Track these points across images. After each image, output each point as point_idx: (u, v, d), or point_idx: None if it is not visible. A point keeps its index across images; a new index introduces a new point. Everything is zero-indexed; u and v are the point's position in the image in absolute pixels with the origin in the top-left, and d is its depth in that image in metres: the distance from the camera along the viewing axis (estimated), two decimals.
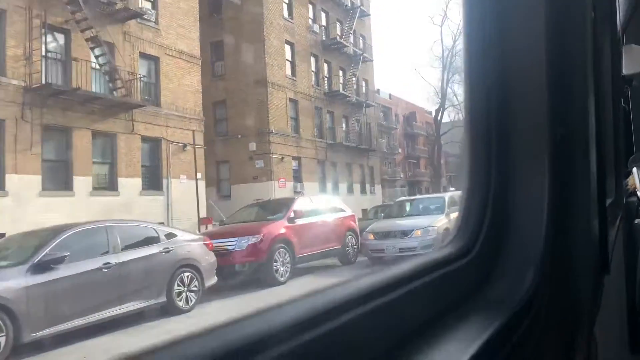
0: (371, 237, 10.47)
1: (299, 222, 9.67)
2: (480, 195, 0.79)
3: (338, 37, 28.87)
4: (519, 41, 0.80)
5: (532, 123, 0.79)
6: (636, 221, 2.30)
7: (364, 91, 32.94)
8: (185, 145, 17.92)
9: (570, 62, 0.88)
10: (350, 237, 11.20)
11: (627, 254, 2.05)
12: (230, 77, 23.59)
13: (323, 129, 27.53)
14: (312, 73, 27.18)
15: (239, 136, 23.18)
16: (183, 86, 18.15)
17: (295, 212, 9.64)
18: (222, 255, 8.35)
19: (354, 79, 30.01)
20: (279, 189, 22.98)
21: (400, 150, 52.06)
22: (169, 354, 0.32)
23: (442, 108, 29.17)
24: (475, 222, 0.78)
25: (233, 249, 8.48)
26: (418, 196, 15.56)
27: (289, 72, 25.03)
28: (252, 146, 22.94)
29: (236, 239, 8.57)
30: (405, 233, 10.10)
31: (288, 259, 9.07)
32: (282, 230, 9.19)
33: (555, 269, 0.80)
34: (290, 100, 24.89)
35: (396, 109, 51.50)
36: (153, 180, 16.89)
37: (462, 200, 0.83)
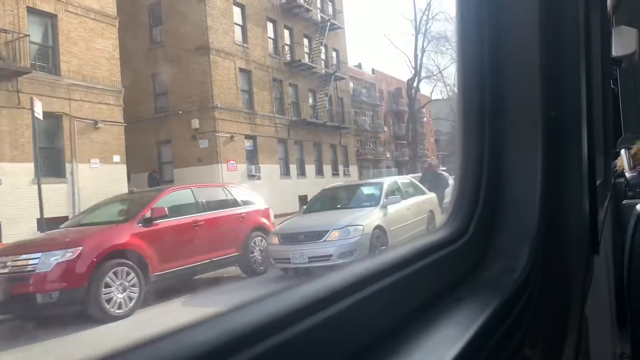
0: (275, 240, 7.58)
1: (160, 224, 6.76)
2: (473, 177, 0.80)
3: (301, 0, 25.58)
4: (512, 21, 0.80)
5: (525, 104, 0.80)
6: (624, 202, 2.34)
7: (334, 62, 29.75)
8: (96, 123, 14.89)
9: (562, 42, 0.88)
10: (258, 239, 8.31)
11: (615, 235, 2.12)
12: (169, 44, 20.43)
13: (284, 104, 24.46)
14: (270, 40, 23.99)
15: (180, 112, 20.14)
16: (93, 51, 15.04)
17: (154, 210, 6.72)
18: (16, 280, 5.48)
19: (321, 48, 26.80)
20: (228, 173, 20.03)
21: (385, 129, 49.15)
22: (156, 348, 0.30)
23: (416, 78, 26.00)
24: (469, 204, 0.78)
25: (34, 270, 5.57)
26: (352, 182, 12.58)
27: (238, 37, 21.84)
28: (195, 123, 19.91)
29: (40, 254, 5.66)
30: (318, 235, 7.20)
31: (134, 280, 6.18)
32: (124, 239, 6.28)
33: (549, 249, 0.81)
34: (241, 70, 21.77)
35: (380, 84, 48.34)
36: (52, 166, 13.91)
37: (456, 183, 0.83)
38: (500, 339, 0.61)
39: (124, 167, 15.81)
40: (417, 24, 30.52)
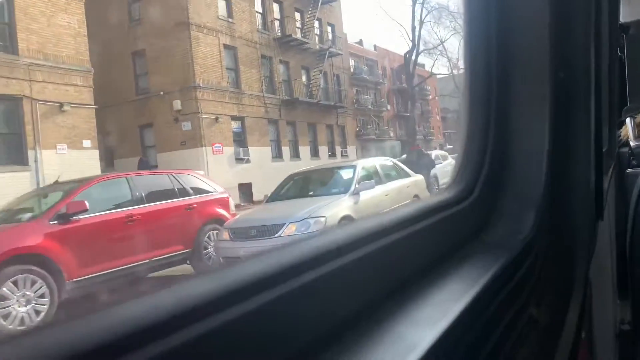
0: (226, 236, 6.48)
1: (81, 221, 5.69)
2: (479, 139, 0.79)
3: None
4: None
5: (533, 64, 0.79)
6: (628, 171, 2.33)
7: (329, 38, 28.31)
8: (62, 105, 13.79)
9: (572, 5, 0.87)
10: (214, 232, 7.23)
11: (618, 203, 2.11)
12: (148, 21, 19.17)
13: (275, 82, 23.19)
14: (257, 14, 22.61)
15: (161, 93, 18.99)
16: (55, 28, 13.86)
17: (70, 205, 5.63)
18: None
19: (314, 22, 25.37)
20: (213, 157, 18.95)
21: (389, 107, 47.66)
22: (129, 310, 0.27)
23: (414, 51, 24.38)
24: (475, 165, 0.78)
25: None
26: (325, 165, 11.41)
27: (222, 12, 20.51)
28: (177, 104, 18.76)
29: None
30: (272, 230, 6.09)
31: (42, 290, 5.13)
32: (28, 241, 5.22)
33: (554, 213, 0.81)
34: (226, 47, 20.49)
35: (383, 61, 46.70)
36: (12, 152, 12.89)
37: (462, 144, 0.81)
38: (507, 297, 0.61)
39: (96, 153, 14.76)
40: None
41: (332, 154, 27.21)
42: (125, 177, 6.60)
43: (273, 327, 0.33)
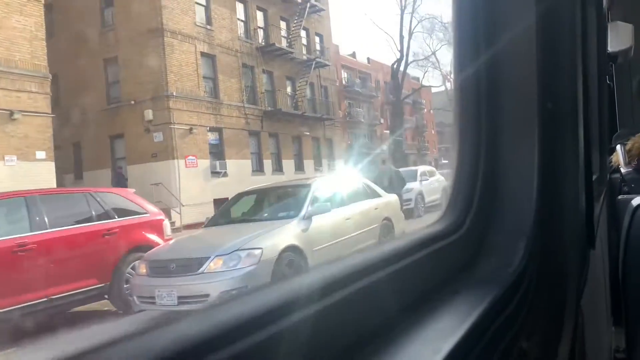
0: (143, 270, 5.33)
1: None
2: (469, 171, 0.80)
3: None
4: (508, 15, 0.80)
5: (522, 97, 0.80)
6: (619, 197, 2.34)
7: (317, 48, 27.39)
8: (12, 113, 12.68)
9: (559, 36, 0.88)
10: (138, 262, 6.05)
11: (610, 230, 2.11)
12: (121, 27, 18.19)
13: (257, 92, 22.17)
14: (239, 22, 21.66)
15: (132, 102, 17.92)
16: (7, 30, 12.80)
17: None
18: None
19: (300, 31, 24.44)
20: (186, 170, 17.81)
21: (382, 121, 46.79)
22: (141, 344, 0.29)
23: (402, 62, 23.26)
24: (465, 197, 0.78)
25: None
26: (279, 183, 10.27)
27: (200, 18, 19.54)
28: (149, 114, 17.68)
29: None
30: (194, 265, 4.93)
31: None
32: None
33: (545, 243, 0.81)
34: (204, 54, 19.48)
35: (376, 74, 45.90)
36: None
37: (452, 176, 0.83)
38: (497, 332, 0.61)
39: (51, 165, 13.60)
40: (403, 1, 27.83)
41: (318, 168, 26.11)
42: (24, 197, 5.45)
43: None
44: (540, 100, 0.78)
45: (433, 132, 56.90)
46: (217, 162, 19.07)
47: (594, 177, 1.42)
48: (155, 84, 17.66)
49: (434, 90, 55.21)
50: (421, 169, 16.98)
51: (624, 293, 1.72)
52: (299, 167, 24.62)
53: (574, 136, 0.92)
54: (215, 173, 19.02)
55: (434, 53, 31.53)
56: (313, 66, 24.75)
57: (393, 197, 8.47)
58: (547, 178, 0.80)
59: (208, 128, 19.11)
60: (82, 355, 0.27)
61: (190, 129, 18.20)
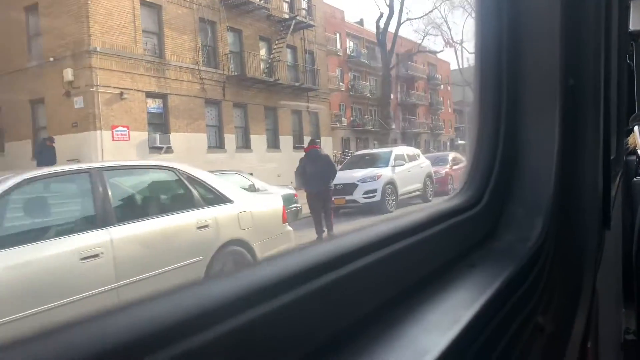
0: None
1: None
2: (489, 145, 0.79)
3: None
4: None
5: (544, 71, 0.79)
6: (635, 179, 2.32)
7: (304, 6, 23.63)
8: None
9: (583, 13, 0.87)
10: None
11: (625, 211, 2.11)
12: None
13: (219, 54, 18.68)
14: None
15: (51, 59, 14.69)
16: None
17: None
18: None
19: None
20: (113, 143, 14.61)
21: (391, 97, 42.89)
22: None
23: (390, 19, 19.03)
24: (484, 172, 0.78)
25: None
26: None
27: None
28: (68, 74, 14.45)
29: None
30: None
31: None
32: None
33: (562, 221, 0.81)
34: (145, 3, 16.02)
35: (387, 45, 41.87)
36: None
37: (471, 150, 0.81)
38: (514, 306, 0.62)
39: None
40: None
41: (299, 146, 22.67)
42: None
43: (287, 330, 0.34)
44: (562, 77, 0.78)
45: (450, 110, 52.72)
46: (158, 135, 15.81)
47: (611, 158, 1.35)
48: (76, 36, 14.36)
49: (439, 56, 50.77)
50: (397, 150, 13.37)
51: (637, 274, 1.79)
52: (274, 145, 21.22)
53: (595, 115, 0.91)
54: (154, 148, 15.78)
55: (435, 10, 27.22)
56: (292, 26, 21.02)
57: (268, 201, 5.05)
58: (567, 156, 0.80)
59: (146, 93, 15.78)
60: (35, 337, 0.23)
61: (121, 94, 14.91)
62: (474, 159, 0.79)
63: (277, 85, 20.96)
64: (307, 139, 23.49)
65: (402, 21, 19.46)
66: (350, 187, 11.52)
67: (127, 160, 13.72)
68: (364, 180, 11.57)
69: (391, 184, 12.00)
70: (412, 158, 13.53)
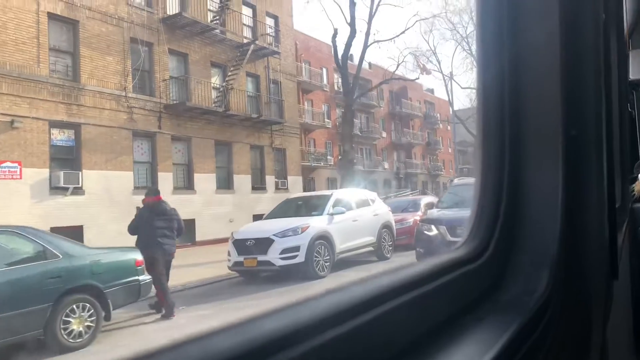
0: None
1: None
2: (493, 195, 0.79)
3: None
4: (533, 40, 0.80)
5: (546, 123, 0.79)
6: None
7: (271, 32, 21.26)
8: None
9: (583, 63, 0.87)
10: None
11: (633, 261, 2.11)
12: None
13: (154, 79, 16.08)
14: None
15: None
16: None
17: None
18: None
19: (229, 4, 18.31)
20: None
21: (384, 135, 40.33)
22: (183, 352, 0.31)
23: (353, 39, 16.09)
24: (489, 221, 0.77)
25: None
26: None
27: None
28: None
29: None
30: None
31: None
32: None
33: (569, 271, 0.80)
34: (54, 17, 13.54)
35: (379, 82, 39.67)
36: None
37: (475, 199, 0.81)
38: None
39: None
40: None
41: (258, 187, 19.77)
42: None
43: None
44: (564, 127, 0.78)
45: (450, 150, 50.00)
46: (62, 173, 12.96)
47: (617, 205, 1.33)
48: None
49: (437, 94, 48.42)
50: (340, 194, 10.33)
51: None
52: (225, 185, 18.33)
53: (598, 164, 0.91)
54: (57, 189, 12.93)
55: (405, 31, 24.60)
56: (250, 52, 18.50)
57: None
58: (571, 204, 0.79)
59: (51, 122, 13.05)
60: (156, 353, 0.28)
61: (12, 122, 12.19)
62: (478, 209, 0.78)
63: (231, 117, 18.27)
64: (269, 178, 20.70)
65: (369, 43, 16.72)
66: (263, 244, 8.50)
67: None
68: (283, 234, 8.53)
69: (324, 238, 8.95)
70: (363, 204, 10.49)
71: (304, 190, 21.74)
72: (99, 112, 14.16)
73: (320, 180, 29.82)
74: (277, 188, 20.41)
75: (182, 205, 16.32)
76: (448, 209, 7.87)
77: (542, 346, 0.67)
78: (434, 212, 8.17)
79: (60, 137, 13.35)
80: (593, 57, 0.91)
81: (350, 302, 0.43)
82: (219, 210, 17.39)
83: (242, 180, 18.95)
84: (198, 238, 16.15)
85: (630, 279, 1.99)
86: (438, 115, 49.55)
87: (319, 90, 32.26)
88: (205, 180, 17.33)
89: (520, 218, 0.78)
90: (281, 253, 8.40)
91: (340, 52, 17.26)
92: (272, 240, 8.47)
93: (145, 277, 5.91)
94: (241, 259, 8.62)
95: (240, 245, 8.70)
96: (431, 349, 0.51)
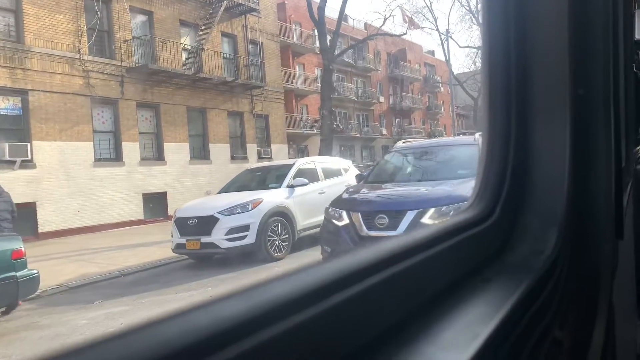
0: None
1: None
2: (500, 156, 0.78)
3: None
4: (541, 3, 0.79)
5: (553, 82, 0.78)
6: None
7: None
8: None
9: (590, 22, 0.86)
10: None
11: (637, 221, 2.10)
12: None
13: (113, 40, 14.63)
14: None
15: None
16: None
17: None
18: None
19: None
20: None
21: (382, 99, 38.69)
22: (194, 319, 0.30)
23: None
24: (496, 183, 0.77)
25: None
26: None
27: None
28: None
29: None
30: None
31: None
32: None
33: (577, 231, 0.80)
34: None
35: (376, 44, 37.78)
36: None
37: (482, 162, 0.80)
38: (531, 320, 0.61)
39: None
40: None
41: (239, 156, 18.51)
42: None
43: (300, 353, 0.35)
44: (571, 86, 0.77)
45: (452, 114, 48.29)
46: (7, 145, 11.73)
47: (622, 166, 1.30)
48: None
49: (455, 69, 46.64)
50: (303, 162, 9.04)
51: None
52: (200, 155, 17.09)
53: (605, 124, 0.90)
54: (3, 162, 11.72)
55: None
56: (222, 8, 16.90)
57: None
58: (579, 166, 0.79)
59: None
60: (86, 347, 0.26)
61: None
62: (484, 170, 0.78)
63: (204, 81, 16.85)
64: (250, 147, 19.42)
65: None
66: (207, 223, 7.29)
67: None
68: (230, 211, 7.31)
69: (281, 214, 7.73)
70: (333, 173, 9.23)
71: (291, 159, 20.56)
72: (50, 77, 12.82)
73: (314, 148, 28.54)
74: (259, 157, 19.16)
75: (151, 177, 15.18)
76: (376, 187, 5.93)
77: (550, 306, 0.67)
78: (351, 191, 6.10)
79: (3, 105, 12.06)
80: (601, 15, 0.88)
81: (357, 266, 0.42)
82: (193, 182, 16.23)
83: (220, 150, 17.69)
84: (171, 212, 15.05)
85: (634, 239, 1.96)
86: (439, 78, 47.69)
87: (311, 54, 30.56)
88: (177, 150, 16.09)
89: (527, 179, 0.78)
90: (227, 233, 7.20)
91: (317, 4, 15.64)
92: (217, 219, 7.26)
93: (30, 272, 4.72)
94: (183, 240, 7.44)
95: (182, 225, 7.51)
96: (438, 311, 0.51)
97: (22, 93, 12.32)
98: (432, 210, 4.91)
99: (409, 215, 4.94)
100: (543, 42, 0.77)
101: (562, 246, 0.73)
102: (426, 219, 4.89)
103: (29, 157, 12.16)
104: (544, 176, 0.78)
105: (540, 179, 0.78)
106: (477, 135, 6.21)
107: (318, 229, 8.41)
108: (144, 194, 14.84)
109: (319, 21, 15.12)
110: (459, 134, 39.64)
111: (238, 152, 18.59)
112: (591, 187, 0.86)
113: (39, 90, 12.57)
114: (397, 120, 41.53)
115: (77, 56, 13.46)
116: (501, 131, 0.77)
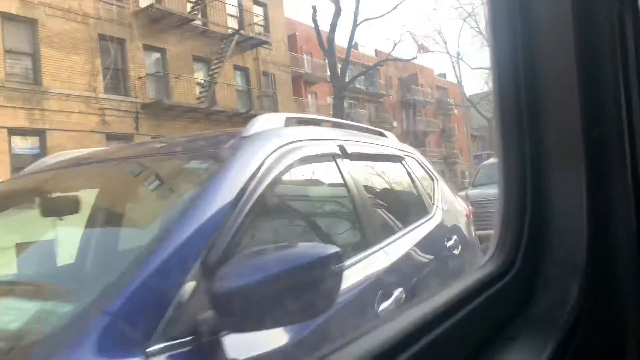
0: None
1: None
2: (516, 206, 0.77)
3: None
4: (548, 42, 0.79)
5: (565, 126, 0.78)
6: None
7: (260, 22, 19.97)
8: None
9: (598, 57, 0.84)
10: None
11: None
12: None
13: (128, 78, 14.96)
14: None
15: None
16: None
17: None
18: None
19: None
20: None
21: (395, 124, 38.79)
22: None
23: (338, 18, 14.49)
24: (514, 235, 0.76)
25: None
26: None
27: None
28: None
29: None
30: None
31: None
32: None
33: (599, 279, 0.78)
34: (8, 17, 12.48)
35: (387, 69, 38.12)
36: None
37: (498, 213, 0.80)
38: None
39: None
40: None
41: None
42: None
43: None
44: (584, 126, 0.75)
45: (465, 136, 48.11)
46: None
47: None
48: None
49: (468, 91, 46.68)
50: None
51: None
52: None
53: (622, 163, 0.86)
54: None
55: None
56: (233, 43, 17.25)
57: None
58: (597, 209, 0.77)
59: (10, 130, 12.04)
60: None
61: None
62: (502, 221, 0.76)
63: (218, 114, 17.07)
64: None
65: (357, 22, 15.26)
66: None
67: None
68: None
69: None
70: None
71: None
72: (66, 116, 13.11)
73: None
74: None
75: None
76: None
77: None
78: None
79: (22, 145, 12.34)
80: (609, 51, 0.87)
81: (379, 346, 0.42)
82: None
83: None
84: None
85: None
86: (452, 100, 47.69)
87: (322, 82, 30.91)
88: None
89: (546, 227, 0.76)
90: None
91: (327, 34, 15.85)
92: None
93: None
94: None
95: None
96: None
97: (39, 133, 12.61)
98: None
99: None
100: (553, 85, 0.76)
101: (585, 296, 0.71)
102: None
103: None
104: (562, 222, 0.75)
105: (559, 227, 0.75)
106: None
107: None
108: None
109: (328, 51, 15.28)
110: (475, 157, 39.06)
111: None
112: (611, 233, 0.82)
113: (56, 130, 12.85)
114: (411, 143, 41.49)
115: (93, 95, 13.77)
116: (517, 178, 0.76)
